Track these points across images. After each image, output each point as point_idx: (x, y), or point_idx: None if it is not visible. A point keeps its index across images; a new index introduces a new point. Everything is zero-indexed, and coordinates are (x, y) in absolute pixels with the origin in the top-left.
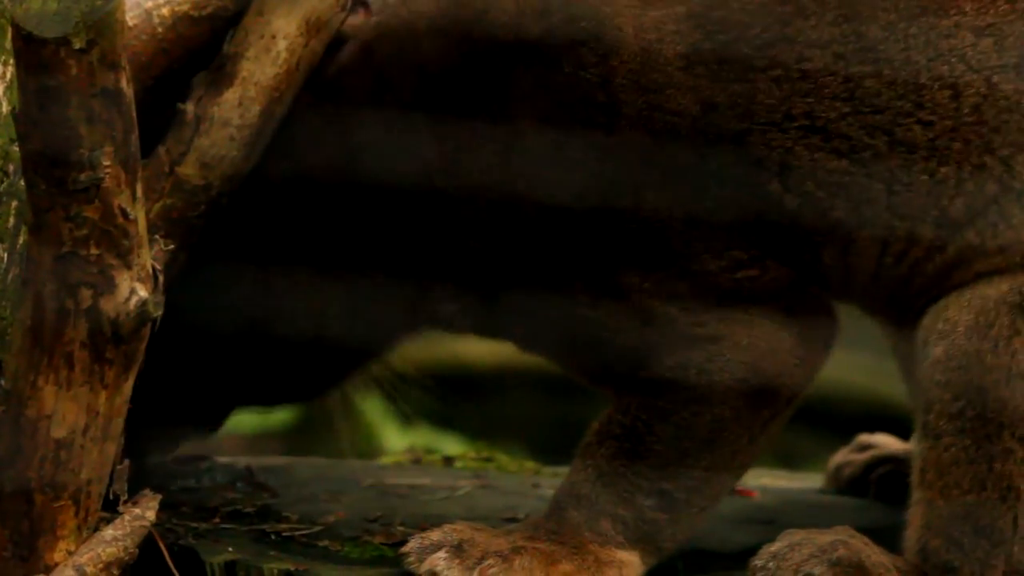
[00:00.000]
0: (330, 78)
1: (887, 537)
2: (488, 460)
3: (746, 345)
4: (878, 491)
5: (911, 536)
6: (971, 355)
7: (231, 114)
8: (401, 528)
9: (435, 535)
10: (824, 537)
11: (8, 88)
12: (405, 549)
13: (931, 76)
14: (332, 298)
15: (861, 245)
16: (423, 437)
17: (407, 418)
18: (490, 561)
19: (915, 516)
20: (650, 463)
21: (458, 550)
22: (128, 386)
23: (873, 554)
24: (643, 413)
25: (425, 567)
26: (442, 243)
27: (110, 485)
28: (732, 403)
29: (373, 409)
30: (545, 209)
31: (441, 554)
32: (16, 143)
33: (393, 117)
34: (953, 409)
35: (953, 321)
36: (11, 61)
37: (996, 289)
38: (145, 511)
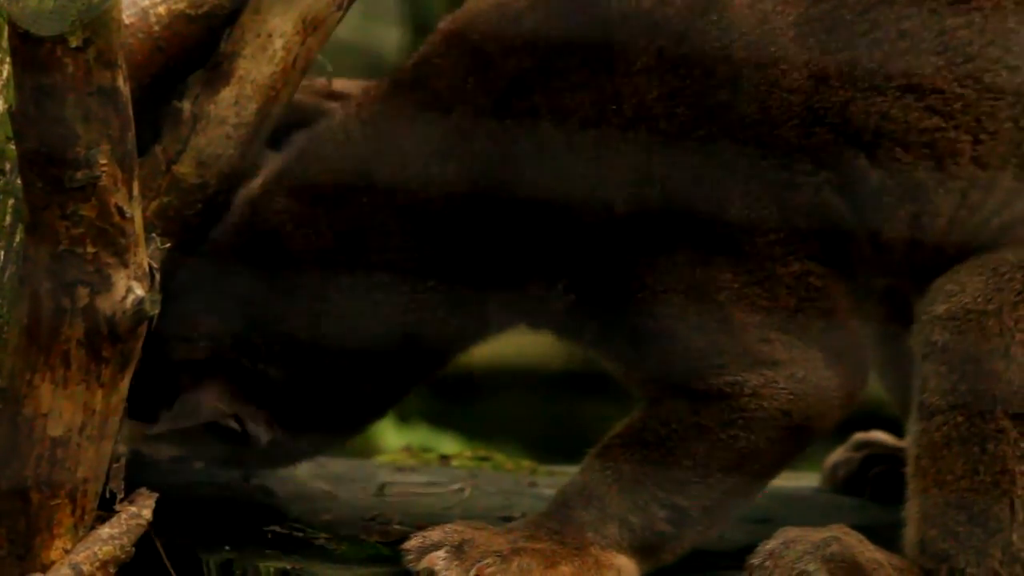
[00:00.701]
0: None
1: (884, 536)
2: (484, 459)
3: (800, 378)
4: (874, 490)
5: (909, 530)
6: (973, 316)
7: (228, 112)
8: (398, 527)
9: (435, 534)
10: (818, 534)
11: (4, 86)
12: (405, 547)
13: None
14: (426, 305)
15: (938, 204)
16: (420, 436)
17: (404, 417)
18: (488, 560)
19: (911, 509)
20: (674, 477)
21: (458, 550)
22: (125, 384)
23: (867, 551)
24: (681, 427)
25: (423, 565)
26: (540, 247)
27: (106, 484)
28: (769, 434)
29: None
30: (639, 209)
31: (440, 553)
32: (12, 141)
33: (481, 119)
34: (947, 383)
35: (963, 282)
36: (7, 59)
37: (1017, 254)
38: (142, 509)
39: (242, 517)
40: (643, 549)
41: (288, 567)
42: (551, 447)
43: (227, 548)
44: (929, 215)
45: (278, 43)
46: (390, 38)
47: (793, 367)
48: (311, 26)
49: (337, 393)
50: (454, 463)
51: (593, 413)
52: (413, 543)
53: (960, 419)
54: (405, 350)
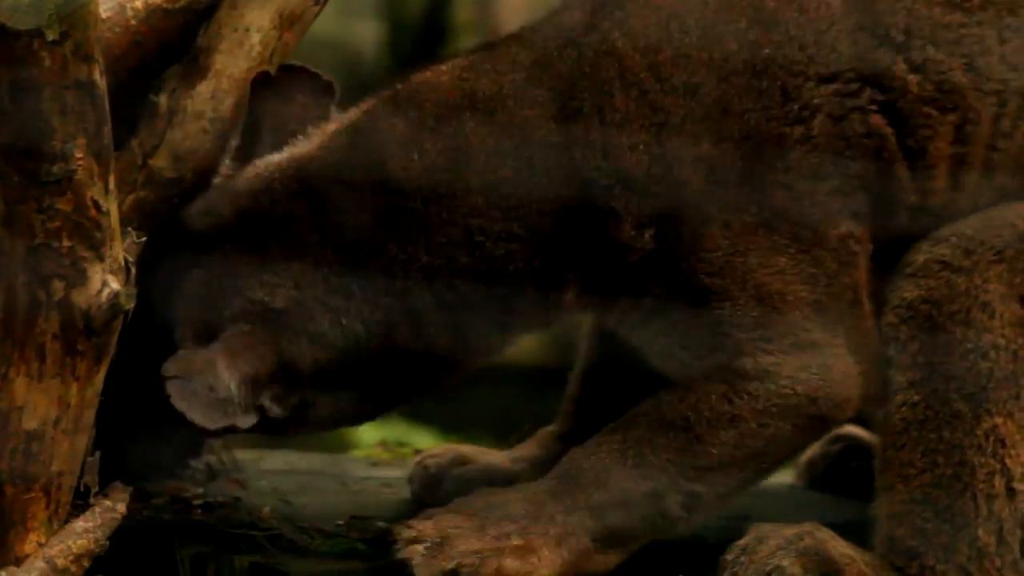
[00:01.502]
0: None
1: (860, 532)
2: None
3: (829, 365)
4: (853, 484)
5: (879, 527)
6: (944, 272)
7: (204, 107)
8: (375, 523)
9: (424, 526)
10: (790, 530)
11: None
12: (395, 532)
13: None
14: (475, 301)
15: (979, 109)
16: (395, 430)
17: None
18: (468, 559)
19: (880, 506)
20: (698, 464)
21: (438, 547)
22: (100, 378)
23: (839, 546)
24: (713, 415)
25: (404, 554)
26: (574, 232)
27: (81, 477)
28: (795, 421)
29: None
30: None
31: (419, 548)
32: None
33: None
34: (907, 354)
35: (949, 233)
36: None
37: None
38: (116, 503)
39: (216, 511)
40: (643, 534)
41: (261, 561)
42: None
43: (200, 542)
44: (971, 123)
45: (255, 38)
46: (367, 33)
47: (823, 354)
48: (288, 21)
49: (352, 386)
50: None
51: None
52: (402, 533)
53: (917, 398)
54: (423, 348)
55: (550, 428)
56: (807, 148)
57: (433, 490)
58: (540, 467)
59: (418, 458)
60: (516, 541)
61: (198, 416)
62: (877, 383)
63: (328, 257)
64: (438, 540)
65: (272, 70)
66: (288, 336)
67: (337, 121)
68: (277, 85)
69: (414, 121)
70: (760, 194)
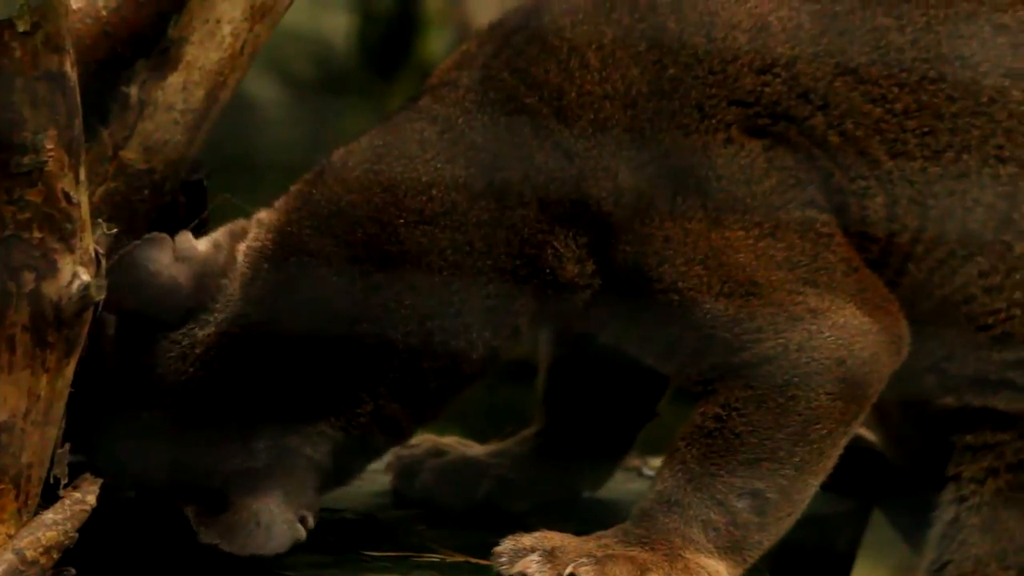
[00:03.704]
0: None
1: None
2: None
3: (842, 324)
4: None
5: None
6: None
7: (175, 98)
8: (345, 515)
9: (527, 540)
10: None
11: None
12: (497, 550)
13: None
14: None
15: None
16: None
17: None
18: (583, 560)
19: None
20: (742, 459)
21: (550, 555)
22: (70, 370)
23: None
24: (739, 403)
25: (517, 569)
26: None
27: (51, 469)
28: (828, 388)
29: None
30: (643, 188)
31: (534, 557)
32: None
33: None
34: None
35: None
36: None
37: None
38: (86, 495)
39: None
40: (730, 547)
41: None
42: (493, 433)
43: (169, 533)
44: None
45: (226, 29)
46: (338, 25)
47: (832, 315)
48: (259, 12)
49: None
50: None
51: (533, 401)
52: (505, 547)
53: None
54: (451, 360)
55: (532, 428)
56: (732, 151)
57: (409, 481)
58: (518, 464)
59: (395, 449)
60: (618, 550)
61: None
62: (906, 345)
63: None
64: (547, 548)
65: (242, 66)
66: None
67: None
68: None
69: (344, 230)
70: (699, 199)
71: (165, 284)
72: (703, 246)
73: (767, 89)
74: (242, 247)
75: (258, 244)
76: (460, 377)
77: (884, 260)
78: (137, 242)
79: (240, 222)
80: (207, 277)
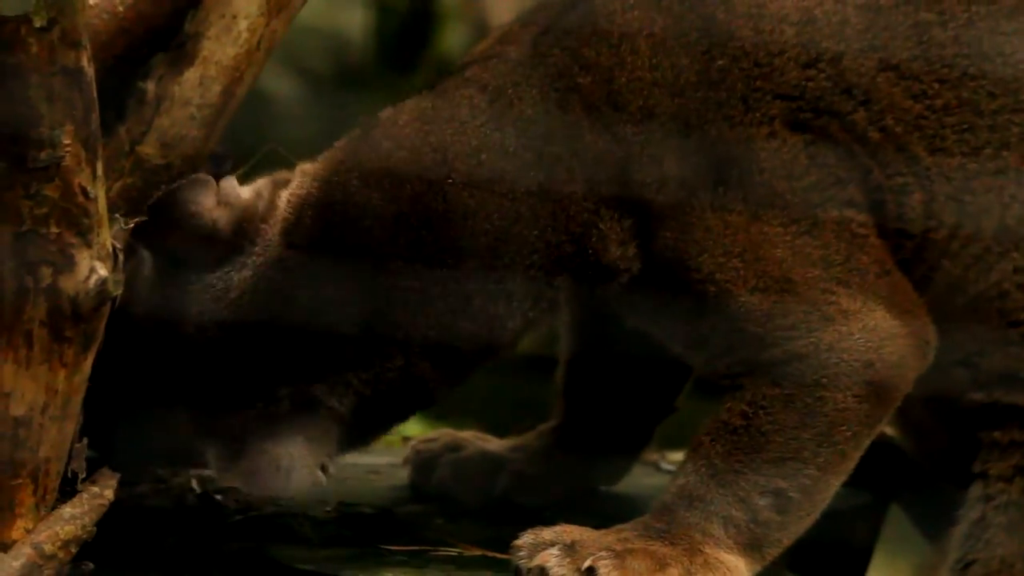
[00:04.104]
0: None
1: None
2: None
3: (872, 327)
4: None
5: None
6: None
7: (192, 93)
8: (362, 509)
9: (547, 533)
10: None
11: None
12: (516, 544)
13: None
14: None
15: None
16: None
17: None
18: (603, 553)
19: None
20: (767, 458)
21: (570, 549)
22: (87, 365)
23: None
24: (767, 402)
25: (536, 562)
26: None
27: (68, 463)
28: (855, 390)
29: None
30: (685, 176)
31: (553, 551)
32: None
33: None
34: None
35: None
36: None
37: None
38: (104, 489)
39: (202, 497)
40: (750, 544)
41: (249, 547)
42: (514, 428)
43: (188, 529)
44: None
45: (243, 24)
46: (354, 20)
47: (863, 318)
48: (276, 7)
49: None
50: None
51: (553, 395)
52: (525, 540)
53: None
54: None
55: (550, 422)
56: (775, 145)
57: (427, 475)
58: (536, 459)
59: (413, 443)
60: (638, 544)
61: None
62: (932, 350)
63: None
64: (567, 542)
65: (258, 61)
66: (334, 413)
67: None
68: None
69: (393, 182)
70: (741, 192)
71: (205, 226)
72: (742, 239)
73: (811, 84)
74: (285, 194)
75: (302, 192)
76: (491, 344)
77: (920, 256)
78: (182, 181)
79: (283, 172)
80: (247, 222)
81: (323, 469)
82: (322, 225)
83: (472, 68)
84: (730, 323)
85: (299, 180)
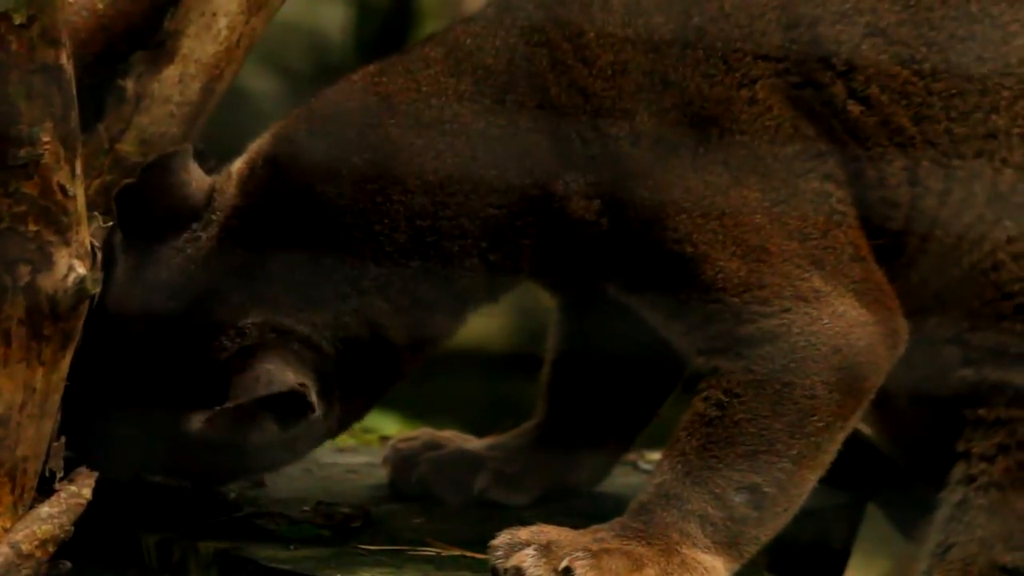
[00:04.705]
0: None
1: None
2: None
3: (841, 313)
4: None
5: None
6: None
7: (171, 91)
8: (341, 508)
9: (524, 534)
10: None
11: None
12: (493, 544)
13: None
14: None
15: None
16: None
17: None
18: (579, 554)
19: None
20: (741, 452)
21: (546, 549)
22: (65, 363)
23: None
24: (740, 388)
25: (512, 563)
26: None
27: (46, 462)
28: (823, 376)
29: None
30: (665, 134)
31: (529, 551)
32: None
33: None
34: None
35: None
36: None
37: None
38: (81, 488)
39: (180, 497)
40: (728, 542)
41: (228, 548)
42: (490, 427)
43: (165, 527)
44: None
45: (222, 22)
46: (334, 18)
47: (833, 302)
48: (255, 5)
49: (381, 362)
50: None
51: (534, 394)
52: (501, 540)
53: None
54: (393, 336)
55: (532, 421)
56: (757, 110)
57: (406, 473)
58: (515, 457)
59: (392, 441)
60: (614, 544)
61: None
62: (902, 342)
63: (296, 268)
64: (543, 542)
65: (238, 59)
66: (292, 347)
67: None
68: (142, 186)
69: (335, 129)
70: (721, 153)
71: (189, 192)
72: (721, 201)
73: (794, 47)
74: (241, 157)
75: (255, 148)
76: (453, 288)
77: (909, 228)
78: (176, 149)
79: None
80: (216, 192)
81: (303, 388)
82: (273, 172)
83: (439, 32)
84: (706, 290)
85: (254, 144)
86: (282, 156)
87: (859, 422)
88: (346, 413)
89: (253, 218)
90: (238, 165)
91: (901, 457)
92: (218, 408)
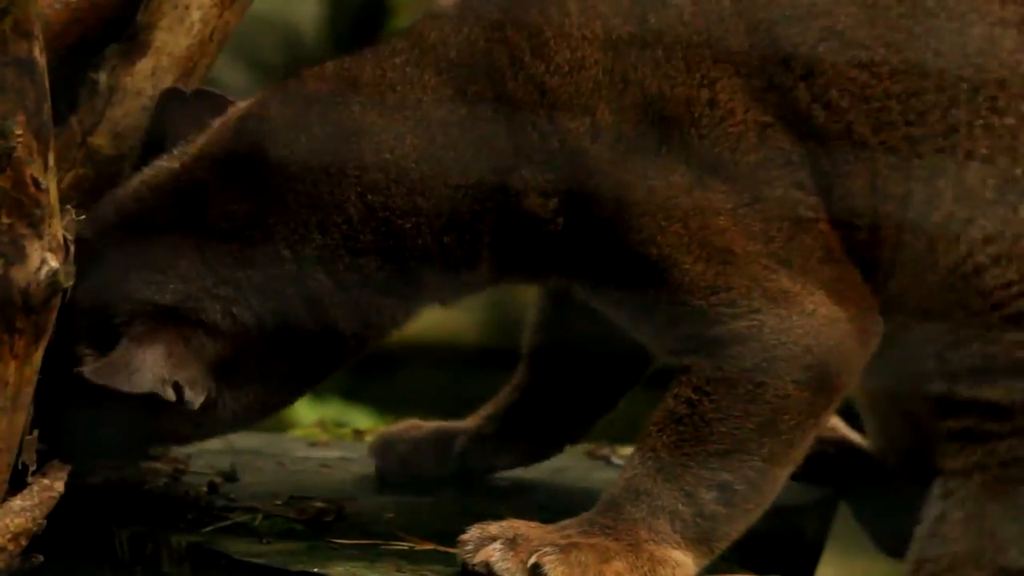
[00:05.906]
0: None
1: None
2: None
3: (811, 312)
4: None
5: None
6: None
7: (144, 84)
8: (314, 502)
9: (493, 528)
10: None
11: None
12: (462, 539)
13: None
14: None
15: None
16: (333, 410)
17: (317, 392)
18: (547, 548)
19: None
20: (712, 449)
21: (513, 543)
22: (38, 357)
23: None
24: (710, 387)
25: (480, 558)
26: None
27: (19, 456)
28: (794, 376)
29: None
30: (629, 135)
31: (497, 545)
32: None
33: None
34: None
35: None
36: None
37: None
38: (54, 482)
39: (153, 490)
40: (697, 539)
41: (200, 541)
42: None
43: (137, 521)
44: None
45: (195, 15)
46: (308, 11)
47: (803, 301)
48: None
49: (281, 359)
50: (367, 438)
51: (502, 390)
52: (471, 535)
53: None
54: (323, 329)
55: (513, 383)
56: (719, 114)
57: (388, 455)
58: (492, 420)
59: (378, 432)
60: (583, 539)
61: (125, 384)
62: (876, 340)
63: (215, 247)
64: (510, 537)
65: (185, 87)
66: (185, 331)
67: (223, 117)
68: (187, 104)
69: (302, 107)
70: (683, 154)
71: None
72: (685, 203)
73: (755, 52)
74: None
75: (225, 116)
76: (405, 270)
77: (876, 235)
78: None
79: None
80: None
81: (177, 388)
82: (234, 133)
83: (408, 26)
84: (674, 293)
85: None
86: (245, 129)
87: (843, 422)
88: (272, 396)
89: (200, 187)
90: (203, 137)
91: (888, 456)
92: (83, 367)
